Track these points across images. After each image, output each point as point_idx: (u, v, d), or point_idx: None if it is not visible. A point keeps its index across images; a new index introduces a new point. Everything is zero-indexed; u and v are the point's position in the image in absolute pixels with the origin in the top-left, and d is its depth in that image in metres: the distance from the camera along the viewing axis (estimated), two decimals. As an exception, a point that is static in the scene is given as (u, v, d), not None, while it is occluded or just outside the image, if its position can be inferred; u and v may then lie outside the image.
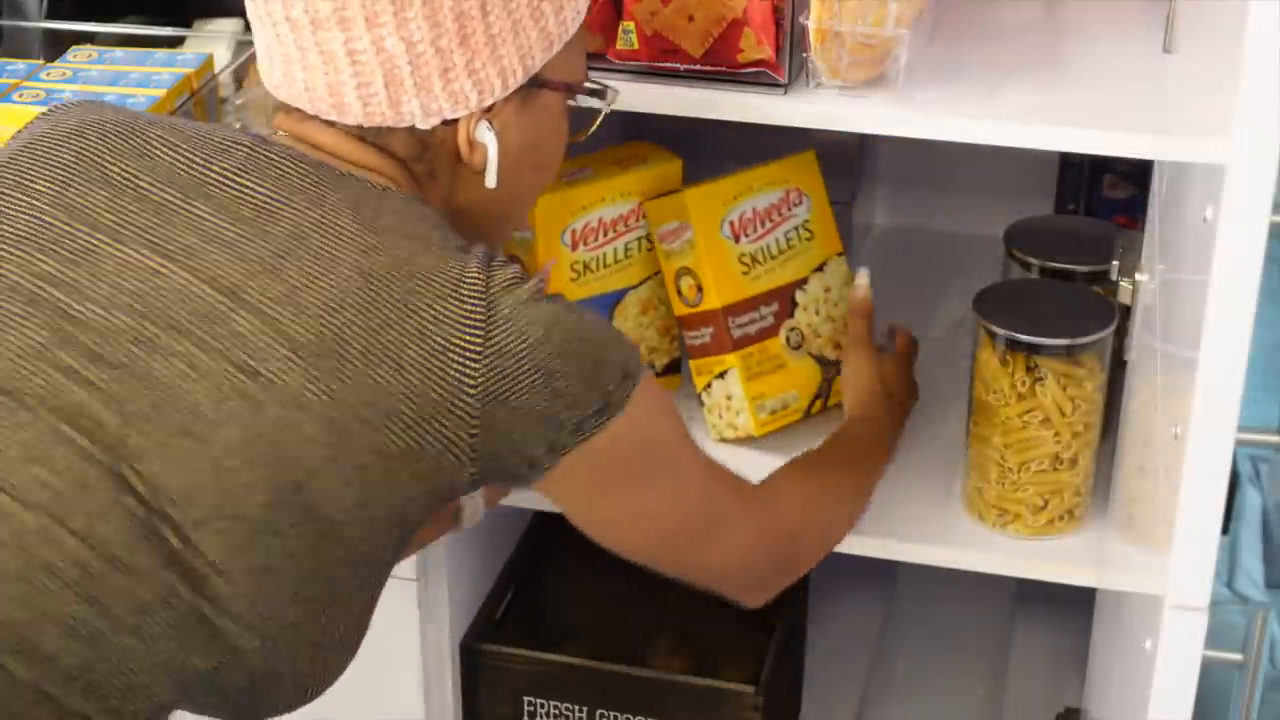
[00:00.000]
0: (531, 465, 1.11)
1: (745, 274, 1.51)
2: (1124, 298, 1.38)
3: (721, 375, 1.52)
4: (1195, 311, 1.12)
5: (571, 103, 1.22)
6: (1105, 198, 1.86)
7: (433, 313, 1.06)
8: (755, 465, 1.38)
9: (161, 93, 1.58)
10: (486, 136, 1.15)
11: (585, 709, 1.61)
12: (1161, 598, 1.22)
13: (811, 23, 1.26)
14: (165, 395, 1.02)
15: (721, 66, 1.30)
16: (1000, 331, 1.38)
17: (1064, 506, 1.42)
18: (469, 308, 1.06)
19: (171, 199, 1.09)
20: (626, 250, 1.54)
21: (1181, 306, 1.20)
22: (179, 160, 1.11)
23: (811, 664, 1.86)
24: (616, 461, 1.15)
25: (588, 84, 1.23)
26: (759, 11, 1.28)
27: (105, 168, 1.11)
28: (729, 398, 1.52)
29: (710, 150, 1.64)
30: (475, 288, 1.07)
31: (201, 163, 1.11)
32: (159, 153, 1.12)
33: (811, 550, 1.37)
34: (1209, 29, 1.21)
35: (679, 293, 1.52)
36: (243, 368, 1.03)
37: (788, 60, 1.29)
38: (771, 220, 1.53)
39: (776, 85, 1.30)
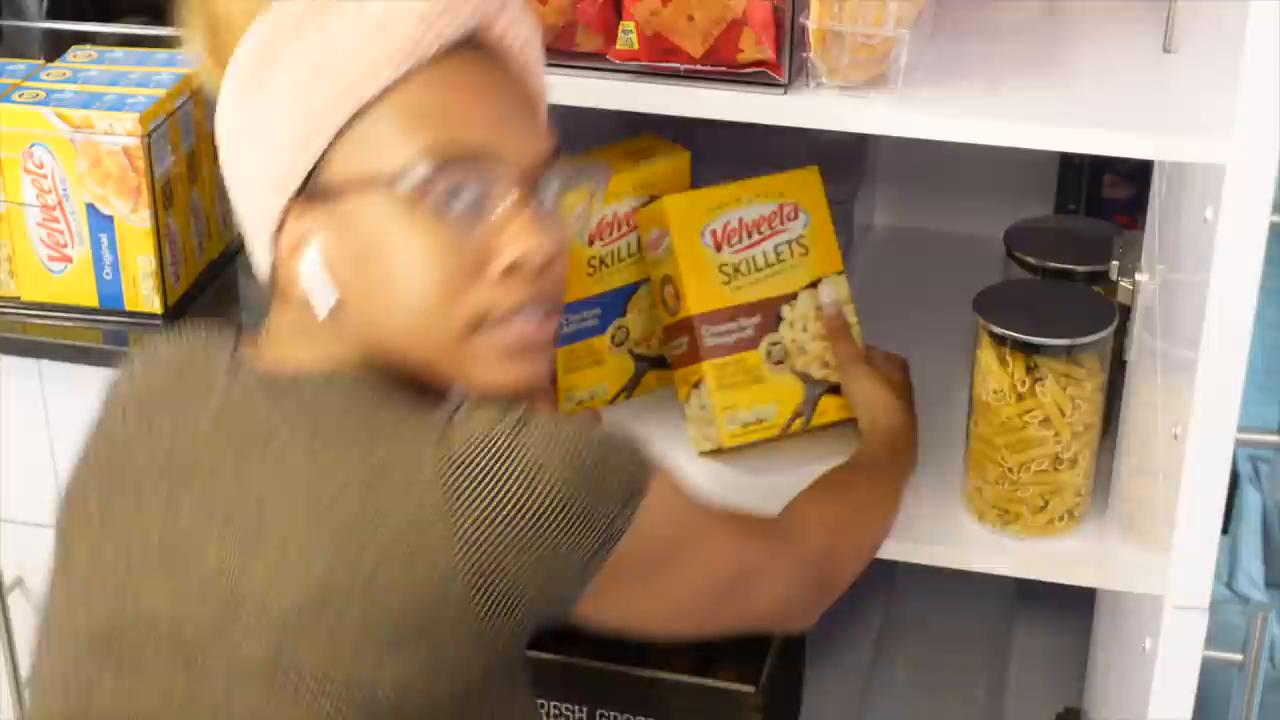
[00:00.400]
0: (562, 603, 1.05)
1: (726, 283, 1.50)
2: (1124, 298, 1.38)
3: (697, 385, 1.50)
4: (1195, 311, 1.13)
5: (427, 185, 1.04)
6: (1105, 198, 1.86)
7: (397, 516, 0.99)
8: (740, 484, 1.38)
9: (161, 93, 1.58)
10: (301, 267, 1.06)
11: (585, 709, 1.61)
12: (1161, 598, 1.22)
13: (811, 23, 1.26)
14: (219, 714, 1.04)
15: (721, 66, 1.30)
16: (1000, 331, 1.38)
17: (1064, 506, 1.42)
18: (432, 497, 0.99)
19: (163, 495, 1.08)
20: (640, 243, 1.55)
21: (1181, 306, 1.20)
22: (169, 438, 1.10)
23: (811, 664, 1.86)
24: (638, 568, 1.08)
25: (409, 165, 1.03)
26: (759, 11, 1.28)
27: (123, 475, 1.11)
28: (703, 408, 1.50)
29: (724, 152, 1.64)
30: (433, 470, 0.99)
31: (186, 433, 1.09)
32: (150, 437, 1.11)
33: (849, 564, 1.34)
34: (1209, 29, 1.22)
35: (664, 303, 1.52)
36: (267, 662, 1.02)
37: (788, 60, 1.29)
38: (760, 232, 1.51)
39: (776, 85, 1.30)
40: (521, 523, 0.99)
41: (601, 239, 1.52)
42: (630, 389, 1.59)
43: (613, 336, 1.56)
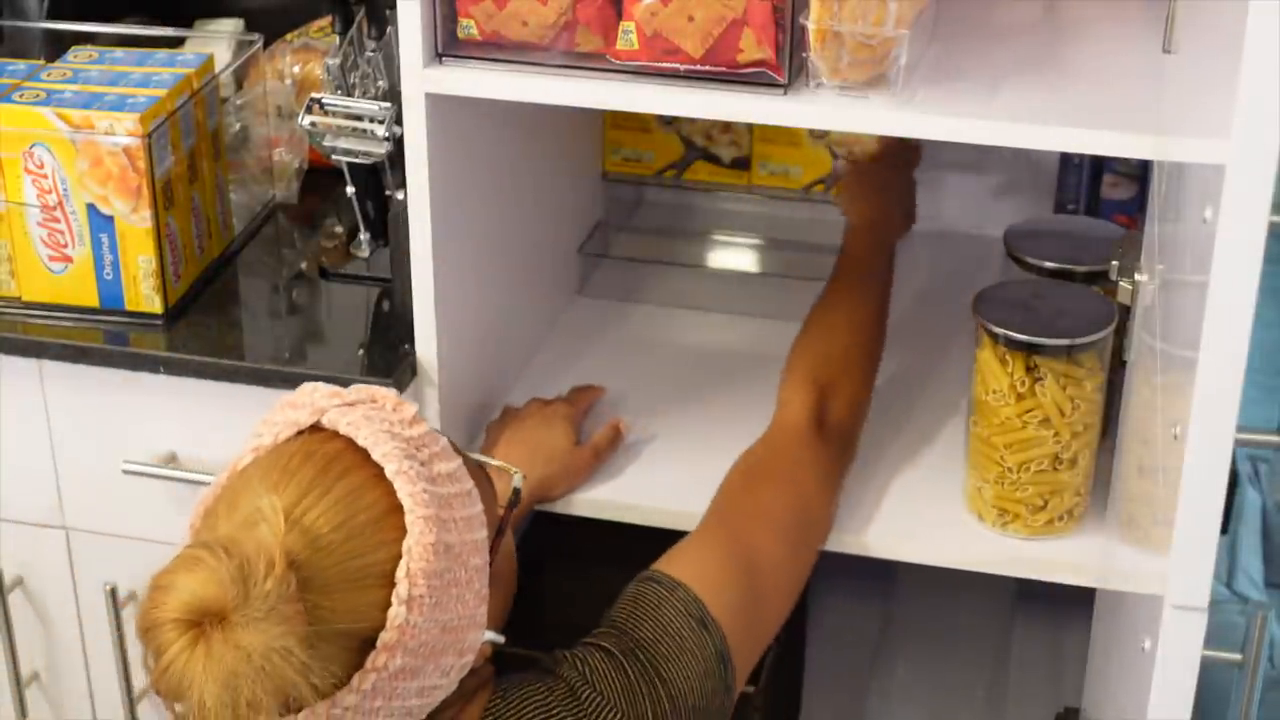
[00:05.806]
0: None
1: None
2: (1124, 298, 1.38)
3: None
4: (1195, 311, 1.12)
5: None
6: (1105, 198, 1.86)
7: None
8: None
9: (162, 93, 1.58)
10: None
11: (585, 709, 1.60)
12: (1161, 598, 1.22)
13: (811, 23, 1.26)
14: None
15: (721, 66, 1.30)
16: (1000, 331, 1.38)
17: (1064, 506, 1.42)
18: None
19: None
20: None
21: (1181, 306, 1.20)
22: None
23: (811, 664, 1.86)
24: (744, 627, 1.29)
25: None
26: (759, 11, 1.28)
27: None
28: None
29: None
30: None
31: None
32: None
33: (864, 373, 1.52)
34: (1209, 29, 1.21)
35: None
36: None
37: (788, 60, 1.29)
38: None
39: (776, 85, 1.30)
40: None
41: None
42: (680, 169, 1.80)
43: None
